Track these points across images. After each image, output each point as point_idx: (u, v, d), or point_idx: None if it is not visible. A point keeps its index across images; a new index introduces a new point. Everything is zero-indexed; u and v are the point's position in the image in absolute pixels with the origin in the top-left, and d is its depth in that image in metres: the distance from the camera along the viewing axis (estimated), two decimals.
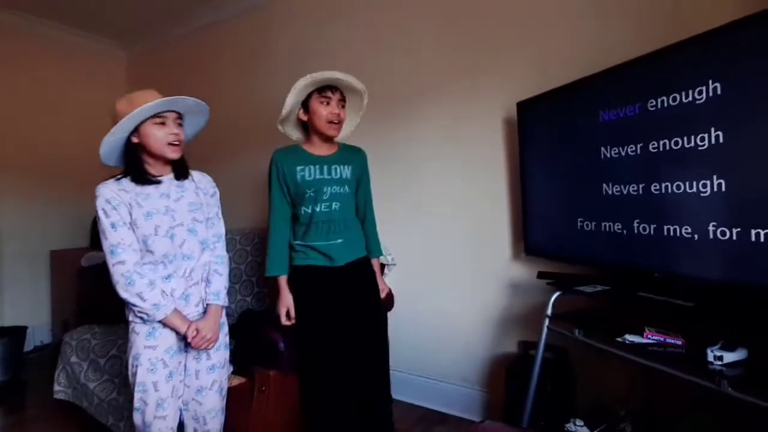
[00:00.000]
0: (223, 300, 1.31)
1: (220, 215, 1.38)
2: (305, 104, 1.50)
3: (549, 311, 1.44)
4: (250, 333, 1.57)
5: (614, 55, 1.41)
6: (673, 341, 1.13)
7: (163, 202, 1.22)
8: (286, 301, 1.48)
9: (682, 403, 1.42)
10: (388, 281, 2.07)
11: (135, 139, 1.20)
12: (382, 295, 1.63)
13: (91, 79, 3.52)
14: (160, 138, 1.19)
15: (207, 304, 1.29)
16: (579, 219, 1.49)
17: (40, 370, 2.64)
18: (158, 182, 1.24)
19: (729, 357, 1.01)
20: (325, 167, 1.51)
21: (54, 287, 3.22)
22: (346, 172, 1.55)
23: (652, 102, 1.24)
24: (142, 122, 1.18)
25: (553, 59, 1.75)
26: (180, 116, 1.25)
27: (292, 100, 1.47)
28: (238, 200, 2.83)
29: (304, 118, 1.51)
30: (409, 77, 2.16)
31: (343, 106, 1.51)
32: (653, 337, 1.15)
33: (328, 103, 1.47)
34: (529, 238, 1.72)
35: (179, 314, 1.22)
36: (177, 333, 1.22)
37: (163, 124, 1.20)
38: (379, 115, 2.12)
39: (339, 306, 1.48)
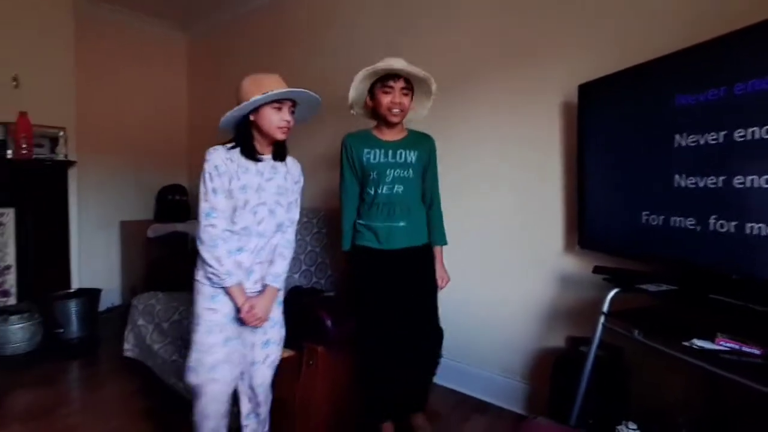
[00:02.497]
0: (280, 283, 1.36)
1: (299, 202, 1.44)
2: (371, 92, 1.56)
3: (605, 308, 1.36)
4: (299, 309, 1.63)
5: (693, 35, 1.27)
6: (750, 350, 1.03)
7: (257, 179, 1.30)
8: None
9: (749, 415, 1.31)
10: None
11: (252, 117, 1.28)
12: (441, 283, 1.68)
13: (156, 61, 3.74)
14: (274, 121, 1.26)
15: (265, 284, 1.33)
16: (644, 212, 1.38)
17: (112, 328, 2.91)
18: (260, 160, 1.31)
19: None
20: (391, 151, 1.57)
21: (123, 255, 3.52)
22: (412, 156, 1.59)
23: (740, 85, 1.11)
24: (263, 104, 1.25)
25: (620, 40, 1.62)
26: (294, 104, 1.31)
27: (354, 92, 1.55)
28: None
29: (370, 105, 1.58)
30: (465, 56, 2.08)
31: (405, 94, 1.53)
32: (727, 344, 1.05)
33: (389, 92, 1.51)
34: (583, 230, 1.63)
35: (242, 287, 1.28)
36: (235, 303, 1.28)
37: (279, 109, 1.27)
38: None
39: (390, 288, 1.55)
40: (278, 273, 1.35)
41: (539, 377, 1.87)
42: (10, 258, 2.79)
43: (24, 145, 2.69)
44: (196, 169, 3.87)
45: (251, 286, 1.32)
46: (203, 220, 1.24)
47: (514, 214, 1.96)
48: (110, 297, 3.44)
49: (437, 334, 1.68)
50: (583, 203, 1.63)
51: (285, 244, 1.38)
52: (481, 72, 2.02)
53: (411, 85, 1.55)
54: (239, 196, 1.26)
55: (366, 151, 1.56)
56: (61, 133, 2.98)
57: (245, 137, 1.30)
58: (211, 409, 1.26)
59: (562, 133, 1.80)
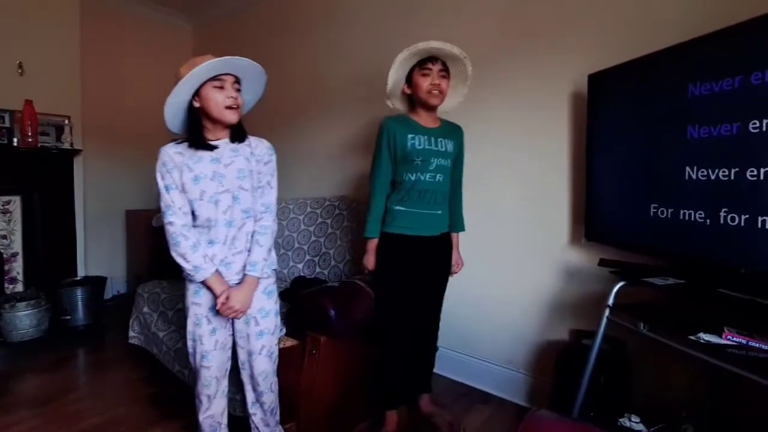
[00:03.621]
0: (260, 271, 1.29)
1: (273, 184, 1.35)
2: (408, 78, 1.56)
3: (611, 301, 1.35)
4: (302, 299, 1.63)
5: (706, 24, 1.24)
6: (757, 345, 1.02)
7: (213, 167, 1.24)
8: (371, 263, 1.61)
9: (754, 410, 1.30)
10: None
11: (196, 103, 1.23)
12: (457, 268, 1.75)
13: (161, 50, 3.72)
14: (219, 102, 1.21)
15: (244, 274, 1.29)
16: (653, 205, 1.36)
17: (117, 316, 2.94)
18: (212, 147, 1.26)
19: None
20: (432, 139, 1.57)
21: (129, 243, 3.54)
22: (450, 146, 1.61)
23: (757, 74, 1.08)
24: (202, 85, 1.20)
25: (631, 29, 1.59)
26: (238, 81, 1.25)
27: (394, 76, 1.55)
28: (295, 169, 2.91)
29: (408, 91, 1.58)
30: (473, 44, 2.04)
31: (443, 76, 1.53)
32: (734, 339, 1.04)
33: (428, 75, 1.51)
34: (590, 223, 1.61)
35: (219, 277, 1.26)
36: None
37: (221, 87, 1.21)
38: None
39: (422, 273, 1.61)
40: (255, 261, 1.29)
41: (542, 369, 1.86)
42: (17, 245, 2.82)
43: (30, 133, 2.70)
44: None
45: (234, 278, 1.30)
46: (163, 220, 1.23)
47: (521, 206, 1.94)
48: (116, 285, 3.48)
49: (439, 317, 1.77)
50: (590, 195, 1.60)
51: (261, 230, 1.31)
52: (489, 62, 1.98)
53: (448, 69, 1.55)
54: (193, 187, 1.22)
55: (410, 136, 1.54)
56: (67, 122, 2.98)
57: (193, 126, 1.25)
58: (209, 390, 1.34)
59: (571, 124, 1.78)
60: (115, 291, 3.48)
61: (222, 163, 1.25)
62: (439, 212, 1.62)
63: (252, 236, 1.31)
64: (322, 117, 2.76)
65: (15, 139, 2.70)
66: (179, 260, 1.23)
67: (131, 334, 2.19)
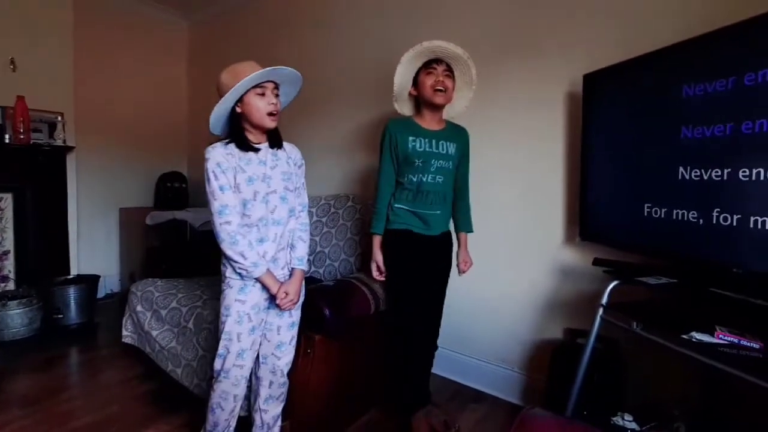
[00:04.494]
0: (305, 265, 1.40)
1: (305, 186, 1.45)
2: (415, 81, 1.59)
3: (604, 300, 1.36)
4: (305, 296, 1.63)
5: (700, 25, 1.25)
6: (749, 344, 1.03)
7: (261, 169, 1.30)
8: (378, 258, 1.66)
9: (746, 409, 1.31)
10: None
11: (239, 109, 1.28)
12: (465, 267, 1.77)
13: (156, 47, 3.69)
14: (261, 108, 1.26)
15: (292, 268, 1.37)
16: (646, 205, 1.37)
17: (110, 315, 2.92)
18: (258, 150, 1.31)
19: None
20: (434, 141, 1.61)
21: (122, 242, 3.52)
22: (452, 148, 1.64)
23: (750, 75, 1.08)
24: (246, 92, 1.25)
25: (626, 30, 1.60)
26: (276, 86, 1.30)
27: (400, 77, 1.58)
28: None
29: (414, 93, 1.61)
30: (470, 44, 2.04)
31: (447, 76, 1.57)
32: (726, 338, 1.05)
33: (433, 74, 1.55)
34: (585, 222, 1.62)
35: (272, 275, 1.31)
36: (265, 291, 1.32)
37: (263, 94, 1.26)
38: None
39: (426, 270, 1.64)
40: (302, 256, 1.39)
41: (536, 368, 1.87)
42: (9, 243, 2.79)
43: (22, 130, 2.67)
44: (196, 157, 3.85)
45: (280, 273, 1.35)
46: (217, 219, 1.25)
47: (516, 205, 1.94)
48: (109, 283, 3.45)
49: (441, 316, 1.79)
50: (585, 195, 1.61)
51: (302, 227, 1.41)
52: (484, 61, 1.98)
53: (452, 71, 1.59)
54: (247, 188, 1.26)
55: (411, 138, 1.58)
56: (59, 118, 2.95)
57: (237, 130, 1.30)
58: (235, 390, 1.34)
59: (566, 124, 1.78)
60: (109, 290, 3.45)
61: (268, 166, 1.32)
62: (438, 212, 1.65)
63: (294, 233, 1.39)
64: (320, 116, 2.75)
65: (7, 136, 2.67)
66: (237, 258, 1.25)
67: (124, 333, 2.18)
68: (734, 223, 1.11)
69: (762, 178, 1.05)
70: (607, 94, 1.52)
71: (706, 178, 1.18)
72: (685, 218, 1.24)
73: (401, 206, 1.63)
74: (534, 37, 1.85)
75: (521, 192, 1.92)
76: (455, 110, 1.72)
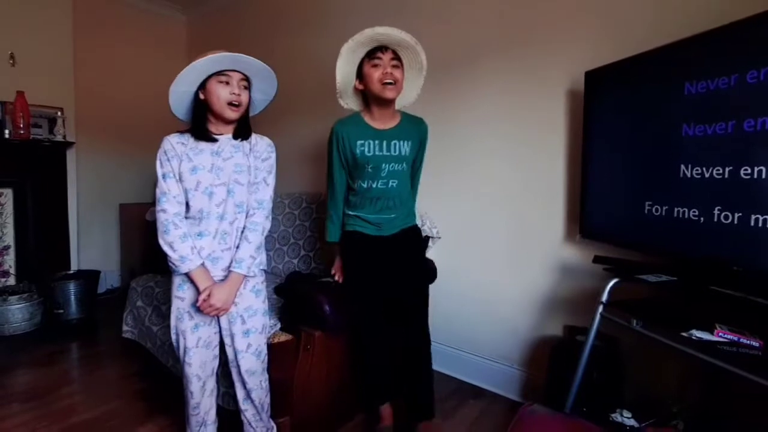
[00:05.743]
0: (246, 269, 1.26)
1: (269, 181, 1.34)
2: (359, 74, 1.45)
3: (604, 298, 1.36)
4: (297, 294, 1.63)
5: (704, 21, 1.24)
6: (749, 342, 1.03)
7: (211, 160, 1.25)
8: (338, 264, 1.66)
9: (744, 406, 1.31)
10: (433, 254, 2.06)
11: (201, 95, 1.25)
12: None
13: (155, 42, 3.68)
14: (222, 97, 1.22)
15: (229, 270, 1.27)
16: (647, 202, 1.36)
17: (110, 310, 2.93)
18: (214, 140, 1.27)
19: None
20: (385, 143, 1.48)
21: (122, 237, 3.52)
22: (406, 148, 1.51)
23: (753, 73, 1.08)
24: (208, 78, 1.22)
25: (628, 27, 1.59)
26: (246, 79, 1.26)
27: (342, 70, 1.44)
28: (291, 165, 2.89)
29: (360, 87, 1.47)
30: (470, 40, 2.04)
31: (396, 66, 1.42)
32: (726, 336, 1.05)
33: (378, 65, 1.40)
34: (586, 220, 1.62)
35: (205, 272, 1.24)
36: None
37: (227, 83, 1.22)
38: (431, 80, 2.03)
39: (384, 270, 1.55)
40: (242, 258, 1.26)
41: (536, 365, 1.88)
42: (9, 238, 2.79)
43: (21, 125, 2.66)
44: None
45: (220, 274, 1.28)
46: (156, 207, 1.23)
47: (516, 202, 1.94)
48: (109, 279, 3.45)
49: (424, 316, 1.65)
50: (586, 192, 1.61)
51: (251, 226, 1.28)
52: (485, 57, 1.98)
53: (400, 59, 1.45)
54: (189, 177, 1.22)
55: (360, 142, 1.46)
56: (59, 114, 2.94)
57: (197, 117, 1.27)
58: (192, 387, 1.31)
59: (567, 121, 1.78)
60: (109, 285, 3.46)
61: (221, 157, 1.26)
62: (393, 216, 1.56)
63: (242, 232, 1.29)
64: (321, 111, 2.74)
65: (6, 131, 2.67)
66: (166, 248, 1.21)
67: (125, 328, 2.18)
68: (735, 222, 1.11)
69: (764, 176, 1.05)
70: (609, 92, 1.51)
71: (707, 176, 1.18)
72: (686, 216, 1.23)
73: (353, 213, 1.56)
74: (535, 34, 1.84)
75: (522, 189, 1.92)
76: (407, 100, 1.57)
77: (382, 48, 1.41)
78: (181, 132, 1.28)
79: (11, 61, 2.73)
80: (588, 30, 1.70)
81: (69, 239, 3.04)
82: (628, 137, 1.44)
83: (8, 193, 2.78)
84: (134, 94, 3.51)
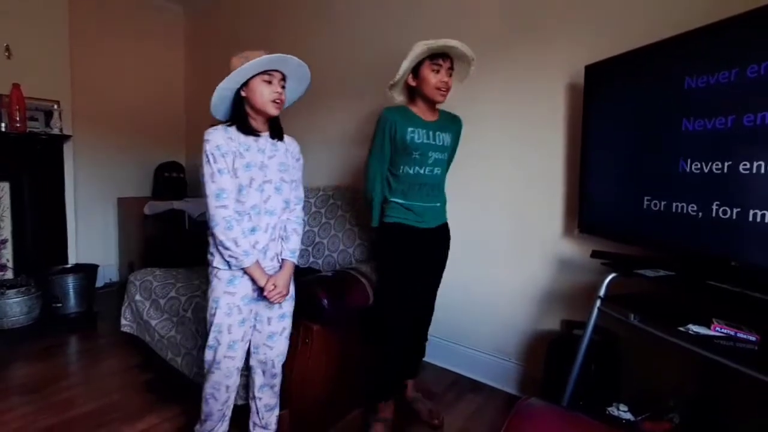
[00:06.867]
0: (297, 258, 1.39)
1: (301, 181, 1.44)
2: (415, 70, 1.53)
3: (602, 292, 1.36)
4: (295, 288, 1.62)
5: (703, 16, 1.24)
6: (745, 336, 1.03)
7: (259, 157, 1.29)
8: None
9: (741, 400, 1.33)
10: None
11: (243, 93, 1.27)
12: None
13: (153, 35, 3.64)
14: (265, 95, 1.25)
15: (282, 260, 1.35)
16: (646, 197, 1.36)
17: (109, 304, 2.93)
18: (258, 135, 1.31)
19: None
20: (431, 132, 1.57)
21: (121, 231, 3.51)
22: (447, 139, 1.62)
23: (753, 67, 1.07)
24: (252, 77, 1.25)
25: (628, 20, 1.58)
26: (284, 78, 1.30)
27: (406, 66, 1.52)
28: None
29: (413, 83, 1.55)
30: (470, 33, 2.02)
31: (450, 75, 1.54)
32: (722, 330, 1.06)
33: (438, 71, 1.50)
34: (584, 215, 1.62)
35: (260, 266, 1.29)
36: (253, 283, 1.30)
37: (269, 82, 1.26)
38: None
39: (421, 263, 1.62)
40: (294, 248, 1.37)
41: (533, 359, 1.89)
42: (6, 232, 2.78)
43: (18, 118, 2.64)
44: (194, 146, 3.83)
45: (269, 264, 1.33)
46: (214, 203, 1.22)
47: (514, 197, 1.94)
48: (107, 273, 3.45)
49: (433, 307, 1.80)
50: (584, 187, 1.61)
51: (296, 220, 1.39)
52: (484, 51, 1.96)
53: (453, 67, 1.55)
54: (244, 174, 1.25)
55: (410, 129, 1.53)
56: (56, 107, 2.92)
57: (240, 114, 1.29)
58: (227, 381, 1.33)
59: (567, 115, 1.77)
60: (107, 279, 3.45)
61: (266, 155, 1.31)
62: (438, 204, 1.64)
63: (288, 225, 1.38)
64: (319, 107, 2.73)
65: (2, 124, 2.64)
66: (229, 244, 1.22)
67: (123, 322, 2.18)
68: (734, 216, 1.11)
69: (762, 171, 1.05)
70: (609, 86, 1.51)
71: (706, 171, 1.18)
72: (685, 211, 1.23)
73: (401, 201, 1.59)
74: (535, 28, 1.83)
75: (520, 183, 1.92)
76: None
77: (443, 55, 1.50)
78: (225, 126, 1.28)
79: (7, 54, 2.70)
80: (588, 24, 1.69)
81: (66, 233, 3.03)
82: (627, 131, 1.44)
83: (5, 186, 2.76)
84: (132, 87, 3.49)
